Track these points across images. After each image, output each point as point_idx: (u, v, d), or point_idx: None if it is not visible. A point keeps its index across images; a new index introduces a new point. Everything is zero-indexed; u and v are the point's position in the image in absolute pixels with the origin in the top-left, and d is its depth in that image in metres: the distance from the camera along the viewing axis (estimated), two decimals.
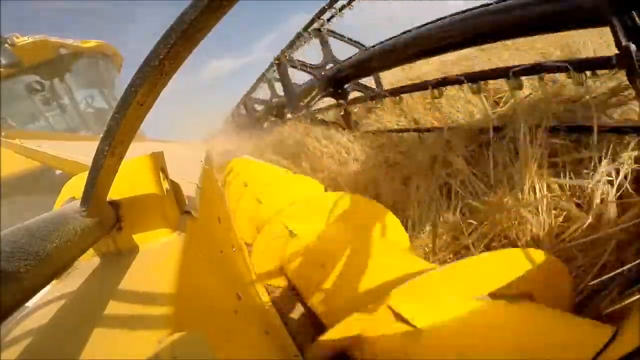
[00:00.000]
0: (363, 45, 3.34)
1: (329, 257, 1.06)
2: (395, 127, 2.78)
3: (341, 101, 3.00)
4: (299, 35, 3.23)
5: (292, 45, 3.36)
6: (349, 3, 2.81)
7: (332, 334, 0.68)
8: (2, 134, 2.48)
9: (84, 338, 0.37)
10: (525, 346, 0.54)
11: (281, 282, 1.30)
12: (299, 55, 3.44)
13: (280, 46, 3.73)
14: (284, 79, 3.63)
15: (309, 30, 3.21)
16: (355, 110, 3.12)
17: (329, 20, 3.18)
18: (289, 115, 3.60)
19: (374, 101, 2.81)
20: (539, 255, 0.66)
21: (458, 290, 0.66)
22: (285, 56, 3.36)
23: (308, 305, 1.07)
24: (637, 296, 0.49)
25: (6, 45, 4.50)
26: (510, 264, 0.67)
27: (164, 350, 0.32)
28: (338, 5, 2.88)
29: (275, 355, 0.80)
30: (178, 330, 0.36)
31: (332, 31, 3.23)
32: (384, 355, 0.67)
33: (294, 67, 3.45)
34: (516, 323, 0.59)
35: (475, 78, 1.57)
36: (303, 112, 3.36)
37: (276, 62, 3.52)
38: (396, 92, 2.23)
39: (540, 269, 0.66)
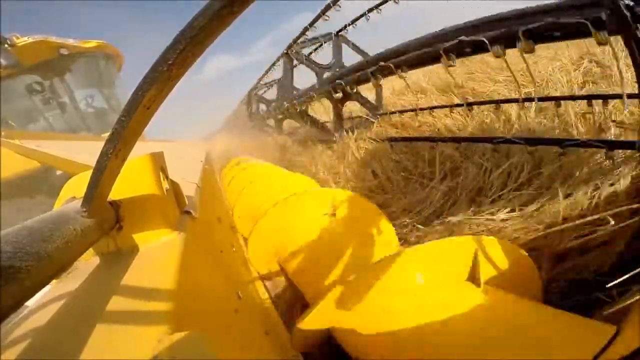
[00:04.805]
0: (329, 34, 3.41)
1: (329, 255, 1.06)
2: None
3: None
4: (311, 23, 3.25)
5: (300, 39, 3.37)
6: (363, 15, 2.89)
7: (309, 323, 0.69)
8: (2, 134, 2.48)
9: (83, 338, 0.37)
10: (526, 345, 0.54)
11: (281, 280, 1.30)
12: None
13: (283, 46, 3.75)
14: (286, 71, 3.63)
15: (330, 32, 3.28)
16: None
17: (346, 26, 3.23)
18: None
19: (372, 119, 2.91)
20: (503, 245, 0.69)
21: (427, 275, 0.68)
22: (295, 108, 3.37)
23: (309, 304, 1.07)
24: (637, 296, 0.49)
25: (6, 45, 4.50)
26: (471, 251, 0.69)
27: (163, 350, 0.32)
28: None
29: (275, 355, 0.80)
30: (178, 330, 0.36)
31: (349, 41, 3.30)
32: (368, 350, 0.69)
33: (300, 61, 3.45)
34: (517, 322, 0.59)
35: (532, 142, 1.60)
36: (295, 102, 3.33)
37: (285, 52, 3.53)
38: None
39: (505, 259, 0.68)
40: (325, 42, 3.55)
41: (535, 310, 0.62)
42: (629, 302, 0.50)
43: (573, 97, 1.95)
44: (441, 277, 0.72)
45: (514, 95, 2.89)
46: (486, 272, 0.70)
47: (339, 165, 2.71)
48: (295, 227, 1.27)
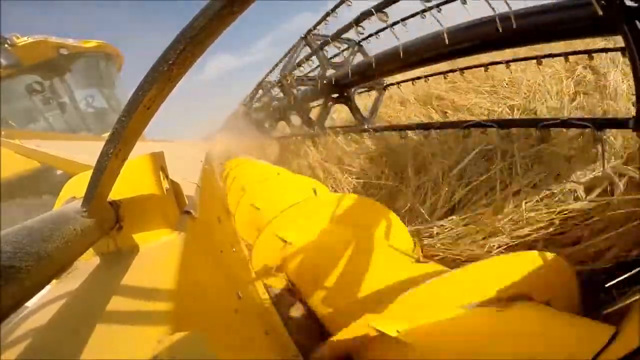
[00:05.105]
0: (352, 40, 3.36)
1: (328, 256, 1.06)
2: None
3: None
4: (300, 62, 3.27)
5: (291, 63, 3.37)
6: (328, 15, 2.89)
7: (341, 335, 0.67)
8: (2, 134, 2.47)
9: (83, 338, 0.37)
10: (525, 347, 0.54)
11: (281, 281, 1.30)
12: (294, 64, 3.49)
13: (283, 45, 3.74)
14: (289, 96, 3.64)
15: (300, 39, 3.27)
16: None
17: (365, 38, 3.20)
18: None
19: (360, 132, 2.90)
20: (537, 257, 0.66)
21: (455, 299, 0.65)
22: (287, 80, 3.36)
23: (308, 305, 1.07)
24: (637, 296, 0.49)
25: (6, 45, 4.50)
26: (508, 268, 0.66)
27: (163, 350, 0.32)
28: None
29: (275, 355, 0.80)
30: (178, 330, 0.36)
31: (320, 35, 3.26)
32: None
33: (293, 87, 3.46)
34: (514, 326, 0.59)
35: (504, 125, 1.61)
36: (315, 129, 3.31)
37: (279, 84, 3.54)
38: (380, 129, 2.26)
39: (539, 270, 0.65)
40: (345, 50, 3.48)
41: (534, 309, 0.62)
42: (628, 302, 0.50)
43: (565, 124, 1.79)
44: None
45: (496, 109, 2.77)
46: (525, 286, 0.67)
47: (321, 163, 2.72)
48: (298, 236, 1.27)
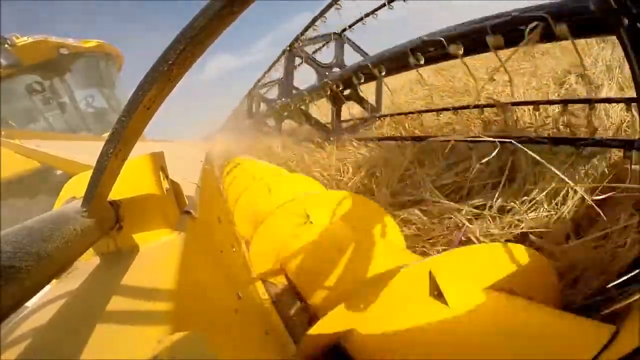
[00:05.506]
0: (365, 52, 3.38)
1: (328, 254, 1.06)
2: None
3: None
4: (308, 25, 3.24)
5: (305, 32, 3.35)
6: (374, 11, 2.87)
7: (322, 328, 0.68)
8: (2, 134, 2.48)
9: (83, 338, 0.37)
10: (525, 347, 0.54)
11: (281, 280, 1.30)
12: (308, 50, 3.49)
13: (283, 45, 3.74)
14: (288, 68, 3.63)
15: (332, 32, 3.28)
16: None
17: (351, 26, 3.20)
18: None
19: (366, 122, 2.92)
20: (520, 250, 0.67)
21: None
22: (300, 42, 3.35)
23: (308, 305, 1.07)
24: (637, 296, 0.49)
25: (6, 45, 4.50)
26: (491, 259, 0.67)
27: (163, 350, 0.32)
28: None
29: (275, 355, 0.80)
30: (178, 330, 0.36)
31: (352, 41, 3.30)
32: (373, 353, 0.68)
33: (300, 57, 3.45)
34: (513, 325, 0.59)
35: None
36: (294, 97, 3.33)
37: (288, 48, 3.52)
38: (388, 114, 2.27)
39: (521, 264, 0.66)
40: (326, 44, 3.53)
41: (534, 310, 0.62)
42: (628, 302, 0.50)
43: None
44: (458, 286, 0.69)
45: (472, 128, 2.38)
46: (506, 279, 0.68)
47: (331, 166, 2.71)
48: (296, 231, 1.27)
